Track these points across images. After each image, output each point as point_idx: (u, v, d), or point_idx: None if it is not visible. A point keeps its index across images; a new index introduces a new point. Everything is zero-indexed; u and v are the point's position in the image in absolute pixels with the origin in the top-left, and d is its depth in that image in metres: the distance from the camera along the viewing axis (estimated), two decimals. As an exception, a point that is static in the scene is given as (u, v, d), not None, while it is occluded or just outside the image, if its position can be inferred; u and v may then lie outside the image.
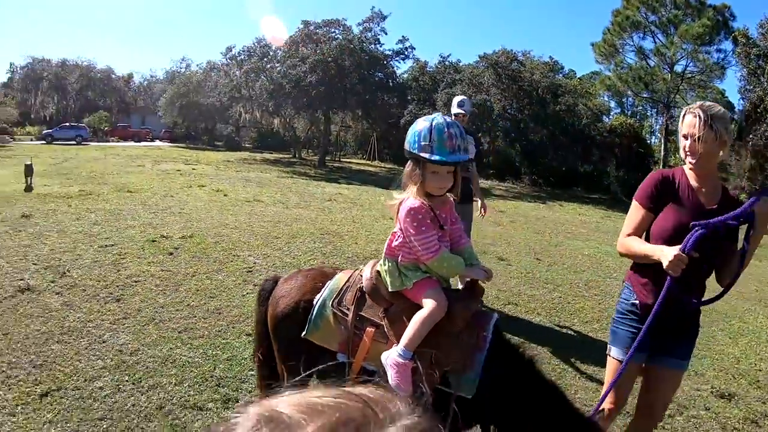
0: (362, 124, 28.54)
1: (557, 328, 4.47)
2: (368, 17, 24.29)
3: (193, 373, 3.16)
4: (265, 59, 25.80)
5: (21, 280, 4.69)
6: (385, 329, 1.84)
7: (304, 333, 1.94)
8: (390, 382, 1.73)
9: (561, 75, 29.52)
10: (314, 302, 1.97)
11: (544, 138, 23.50)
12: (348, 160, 32.53)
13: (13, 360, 3.24)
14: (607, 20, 23.97)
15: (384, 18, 24.29)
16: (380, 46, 24.65)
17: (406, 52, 25.08)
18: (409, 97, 25.93)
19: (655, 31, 22.76)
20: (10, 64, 47.85)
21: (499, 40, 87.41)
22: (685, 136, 1.98)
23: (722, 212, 1.91)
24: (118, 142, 36.78)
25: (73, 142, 31.84)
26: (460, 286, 2.05)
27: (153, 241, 6.43)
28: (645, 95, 25.02)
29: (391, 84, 25.06)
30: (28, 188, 9.54)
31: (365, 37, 24.25)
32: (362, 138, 34.75)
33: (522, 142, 24.49)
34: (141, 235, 6.68)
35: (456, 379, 1.75)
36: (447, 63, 27.87)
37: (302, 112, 25.92)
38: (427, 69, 28.72)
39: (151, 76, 53.30)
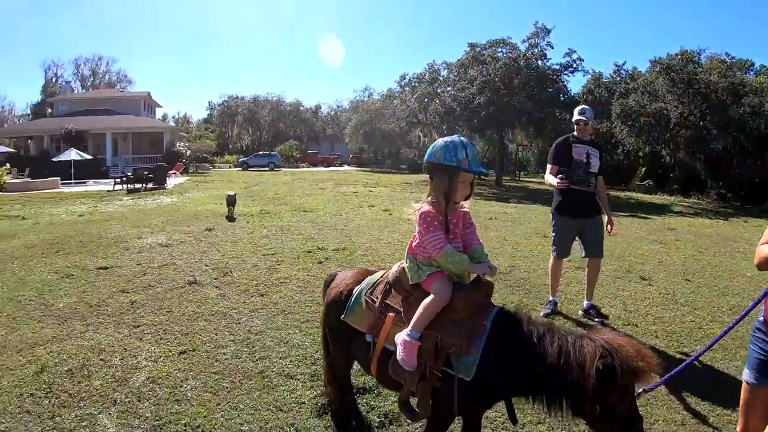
0: (539, 142, 31.95)
1: (672, 353, 4.46)
2: (532, 33, 27.18)
3: (298, 353, 4.08)
4: (435, 84, 30.25)
5: (191, 276, 6.47)
6: (403, 314, 2.49)
7: (342, 316, 2.74)
8: (397, 357, 2.37)
9: (752, 73, 28.90)
10: (353, 292, 2.76)
11: (728, 146, 23.40)
12: (529, 179, 36.00)
13: (167, 328, 4.67)
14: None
15: (548, 32, 26.90)
16: (547, 62, 27.27)
17: (574, 65, 27.38)
18: None
19: None
20: (209, 103, 64.80)
21: (679, 40, 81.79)
22: None
23: None
24: (308, 167, 45.37)
25: (267, 169, 40.35)
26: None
27: (309, 252, 7.91)
28: None
29: (562, 99, 27.16)
30: (230, 218, 11.59)
31: (531, 53, 27.03)
32: (543, 156, 39.12)
33: (705, 152, 24.83)
34: (300, 247, 8.27)
35: (456, 361, 2.28)
36: (622, 72, 29.41)
37: (474, 133, 29.43)
38: (603, 80, 30.51)
39: (338, 106, 65.36)
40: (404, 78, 32.19)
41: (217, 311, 5.17)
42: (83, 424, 3.09)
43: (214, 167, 43.14)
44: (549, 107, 26.52)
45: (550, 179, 5.18)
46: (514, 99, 26.53)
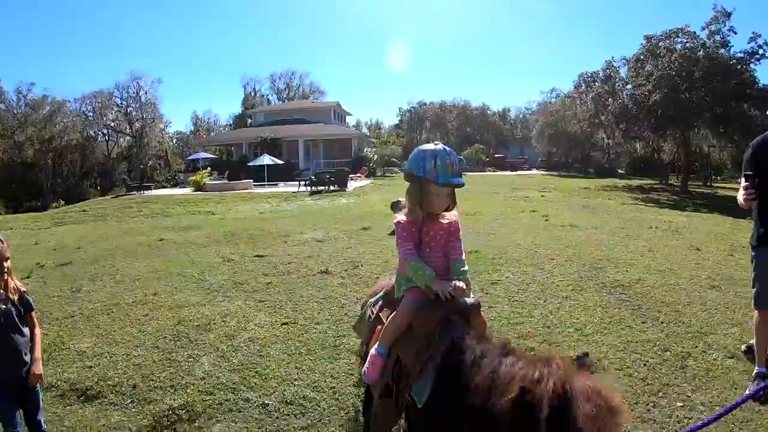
0: (730, 143, 30.82)
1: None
2: (711, 18, 26.04)
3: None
4: (610, 82, 29.87)
5: (326, 266, 7.65)
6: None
7: (353, 324, 3.09)
8: (363, 368, 2.63)
9: None
10: (368, 303, 3.02)
11: None
12: (722, 185, 34.19)
13: (283, 305, 5.85)
14: None
15: (728, 15, 25.52)
16: (729, 50, 25.87)
17: (761, 51, 25.38)
18: None
19: None
20: (399, 110, 70.73)
21: None
22: None
23: None
24: (494, 171, 47.13)
25: None
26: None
27: (441, 252, 8.64)
28: None
29: (749, 92, 25.24)
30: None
31: (713, 41, 26.02)
32: (736, 159, 37.27)
33: None
34: (437, 248, 9.04)
35: (412, 384, 2.27)
36: None
37: (653, 134, 29.28)
38: None
39: (527, 109, 67.33)
40: (582, 77, 32.24)
41: (330, 296, 6.21)
42: (189, 360, 4.35)
43: (401, 171, 46.33)
44: (734, 102, 24.54)
45: (739, 195, 4.00)
46: (693, 94, 25.26)
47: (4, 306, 2.85)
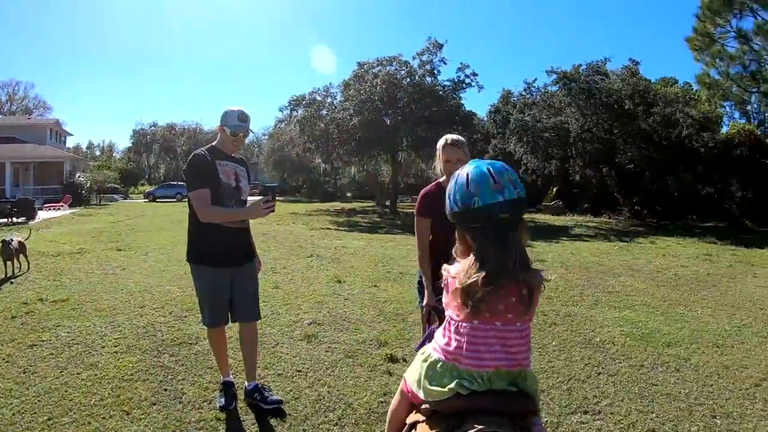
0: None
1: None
2: (424, 48, 28.21)
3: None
4: (313, 106, 30.46)
5: None
6: None
7: None
8: None
9: (656, 81, 29.70)
10: None
11: (636, 159, 23.96)
12: None
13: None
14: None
15: (440, 47, 28.00)
16: (434, 79, 28.21)
17: (467, 81, 28.26)
18: (494, 131, 29.28)
19: (756, 7, 20.21)
20: (133, 131, 66.44)
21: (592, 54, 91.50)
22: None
23: None
24: None
25: (175, 200, 40.02)
26: None
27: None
28: (755, 90, 22.73)
29: (457, 117, 27.74)
30: (10, 278, 8.74)
31: (425, 69, 28.10)
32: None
33: (615, 167, 25.37)
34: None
35: None
36: (533, 89, 29.94)
37: (350, 157, 30.83)
38: (513, 98, 31.36)
39: (263, 134, 67.07)
40: (291, 102, 31.58)
41: None
42: None
43: (127, 198, 43.25)
44: (441, 127, 25.98)
45: (213, 211, 3.64)
46: (394, 119, 27.33)
47: None
